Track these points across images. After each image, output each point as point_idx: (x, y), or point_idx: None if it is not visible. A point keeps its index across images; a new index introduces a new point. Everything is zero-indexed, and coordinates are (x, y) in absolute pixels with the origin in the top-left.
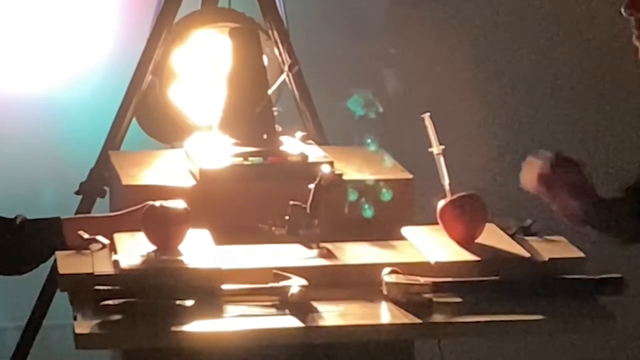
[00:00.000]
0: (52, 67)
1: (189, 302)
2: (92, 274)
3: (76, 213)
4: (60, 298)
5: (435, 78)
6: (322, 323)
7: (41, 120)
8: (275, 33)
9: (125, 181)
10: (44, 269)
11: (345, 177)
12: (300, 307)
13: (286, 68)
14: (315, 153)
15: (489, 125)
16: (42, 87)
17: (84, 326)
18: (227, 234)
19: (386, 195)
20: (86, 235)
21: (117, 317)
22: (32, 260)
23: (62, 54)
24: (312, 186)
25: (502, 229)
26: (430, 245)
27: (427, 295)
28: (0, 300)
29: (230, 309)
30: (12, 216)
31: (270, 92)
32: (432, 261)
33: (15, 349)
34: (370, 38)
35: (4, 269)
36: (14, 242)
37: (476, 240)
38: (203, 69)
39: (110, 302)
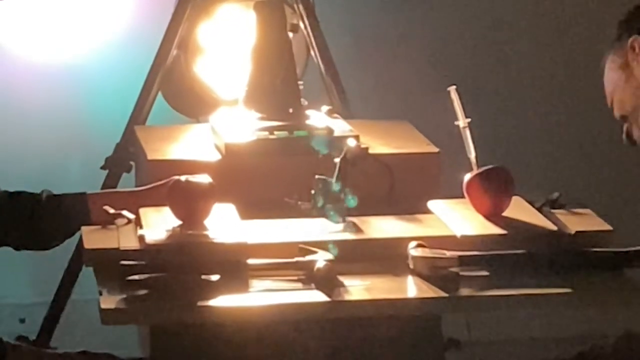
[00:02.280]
0: (78, 42)
1: (215, 277)
2: (117, 249)
3: (102, 188)
4: (86, 273)
5: (461, 50)
6: (348, 297)
7: (67, 95)
8: (301, 6)
9: (151, 156)
10: (70, 244)
11: (371, 151)
12: (326, 281)
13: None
14: (340, 127)
15: (515, 98)
16: (67, 63)
17: (109, 301)
18: (252, 209)
19: (351, 202)
20: (112, 210)
21: (143, 292)
22: (58, 236)
23: (87, 28)
24: (337, 160)
25: (528, 202)
26: (456, 218)
27: (453, 269)
28: (27, 276)
29: (256, 284)
30: (38, 191)
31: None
32: (459, 235)
33: (42, 325)
34: (394, 11)
35: (30, 245)
36: (40, 217)
37: (503, 214)
38: (228, 43)
39: (135, 277)
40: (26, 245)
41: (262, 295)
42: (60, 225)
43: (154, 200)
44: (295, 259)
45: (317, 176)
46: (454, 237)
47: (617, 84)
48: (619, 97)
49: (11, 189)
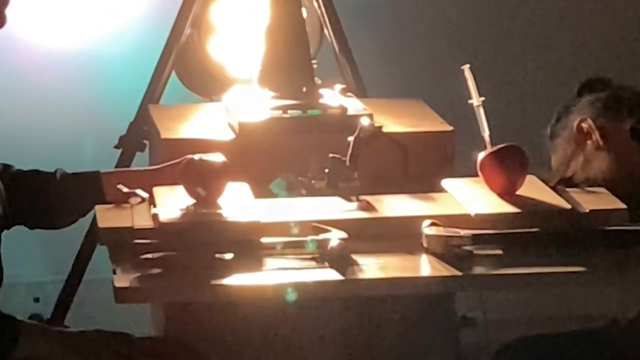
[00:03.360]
0: (92, 21)
1: (229, 256)
2: (131, 227)
3: (116, 167)
4: (101, 252)
5: (475, 28)
6: (361, 276)
7: (81, 74)
8: None
9: (165, 135)
10: (84, 223)
11: (384, 130)
12: (340, 260)
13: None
14: (354, 105)
15: (529, 76)
16: (81, 41)
17: (123, 280)
18: (266, 187)
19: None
20: (125, 189)
21: (157, 270)
22: (72, 215)
23: (101, 7)
24: (351, 139)
25: (542, 181)
26: (470, 197)
27: (467, 248)
28: (41, 255)
29: (270, 262)
30: (52, 170)
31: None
32: (473, 213)
33: (56, 303)
34: None
35: (44, 223)
36: (54, 196)
37: (517, 192)
38: (242, 21)
39: (149, 255)
40: (40, 224)
41: (275, 274)
42: (74, 203)
43: (169, 178)
44: (309, 237)
45: (330, 155)
46: (467, 215)
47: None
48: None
49: (25, 168)
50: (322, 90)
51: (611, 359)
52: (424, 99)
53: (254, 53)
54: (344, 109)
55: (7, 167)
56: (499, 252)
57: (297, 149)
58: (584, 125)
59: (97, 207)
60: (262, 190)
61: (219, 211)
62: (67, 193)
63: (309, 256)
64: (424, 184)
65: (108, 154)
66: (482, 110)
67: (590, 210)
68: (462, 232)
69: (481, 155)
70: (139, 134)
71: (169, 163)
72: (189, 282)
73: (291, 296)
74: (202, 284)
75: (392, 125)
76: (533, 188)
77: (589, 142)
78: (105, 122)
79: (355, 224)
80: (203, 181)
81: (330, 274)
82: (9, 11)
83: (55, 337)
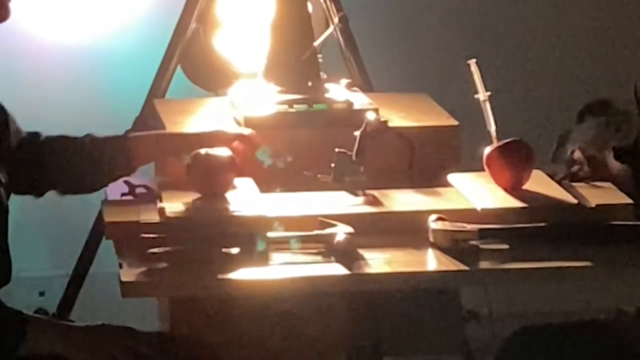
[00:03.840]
0: (97, 16)
1: (235, 250)
2: (137, 222)
3: None
4: (106, 246)
5: (482, 23)
6: (368, 270)
7: (87, 68)
8: None
9: (170, 129)
10: (89, 217)
11: (390, 124)
12: (346, 254)
13: (336, 20)
14: (360, 100)
15: (536, 71)
16: (87, 36)
17: (129, 274)
18: (272, 182)
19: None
20: (132, 183)
21: (163, 265)
22: (101, 179)
23: (107, 2)
24: (357, 133)
25: (549, 175)
26: (476, 191)
27: (473, 242)
28: (47, 249)
29: (276, 257)
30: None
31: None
32: (479, 208)
33: (61, 298)
34: None
35: (75, 188)
36: (84, 160)
37: (523, 187)
38: (247, 16)
39: (155, 250)
40: (71, 189)
41: (281, 268)
42: (103, 167)
43: (197, 147)
44: (315, 232)
45: (336, 149)
46: (474, 210)
47: None
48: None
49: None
50: (327, 85)
51: (617, 349)
52: (430, 94)
53: (259, 47)
54: (350, 104)
55: (36, 134)
56: (505, 246)
57: (302, 143)
58: (575, 155)
59: (103, 202)
60: (268, 184)
61: (225, 205)
62: (96, 157)
63: (316, 251)
64: (430, 178)
65: None
66: (488, 105)
67: (597, 205)
68: (469, 227)
69: (487, 149)
70: (145, 128)
71: (200, 131)
72: (195, 277)
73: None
74: (208, 278)
75: (398, 119)
76: (539, 183)
77: (580, 172)
78: (110, 116)
79: (361, 218)
80: (209, 176)
81: (337, 269)
82: (13, 4)
83: (61, 331)
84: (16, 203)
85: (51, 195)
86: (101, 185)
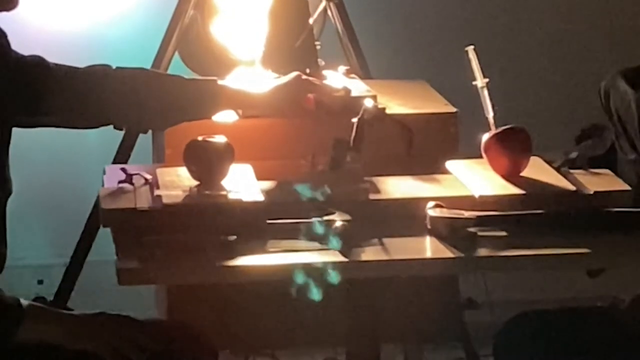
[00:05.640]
0: (94, 3)
1: (232, 237)
2: (134, 209)
3: (119, 149)
4: (104, 234)
5: (479, 9)
6: (365, 258)
7: (84, 55)
8: None
9: None
10: (86, 205)
11: (388, 111)
12: (344, 241)
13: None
14: (358, 87)
15: (533, 57)
16: (84, 23)
17: (126, 262)
18: (269, 169)
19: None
20: (129, 171)
21: (160, 252)
22: (181, 117)
23: None
24: (355, 120)
25: (547, 162)
26: (474, 179)
27: (471, 229)
28: (45, 237)
29: (274, 244)
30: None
31: (311, 21)
32: (477, 195)
33: (59, 286)
34: None
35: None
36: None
37: (521, 174)
38: (245, 3)
39: (152, 237)
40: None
41: (279, 256)
42: (186, 106)
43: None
44: (313, 219)
45: (334, 137)
46: (472, 197)
47: None
48: None
49: (30, 150)
50: (325, 72)
51: (613, 335)
52: (428, 80)
53: (257, 34)
54: (348, 91)
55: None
56: (503, 233)
57: (300, 130)
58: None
59: (100, 189)
60: (265, 171)
61: (222, 192)
62: (179, 95)
63: (313, 238)
64: (428, 165)
65: (111, 135)
66: (486, 92)
67: (595, 192)
68: (466, 214)
69: (485, 136)
70: None
71: (276, 85)
72: (193, 264)
73: (300, 277)
74: (206, 266)
75: (396, 106)
76: (537, 169)
77: None
78: None
79: (359, 205)
80: (206, 162)
81: (334, 256)
82: None
83: (59, 319)
84: (15, 192)
85: (49, 184)
86: (175, 123)
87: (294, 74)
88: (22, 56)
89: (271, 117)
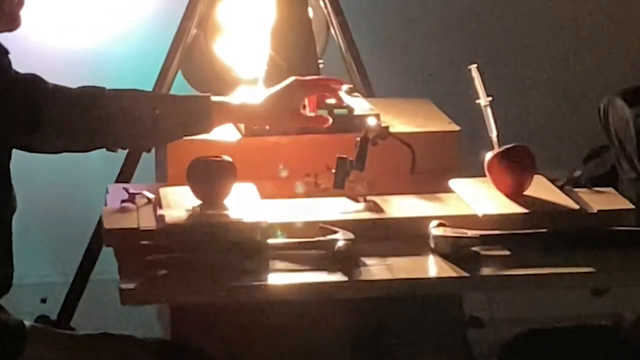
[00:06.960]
0: (98, 21)
1: (236, 257)
2: (137, 229)
3: (122, 168)
4: (107, 253)
5: (482, 28)
6: (369, 277)
7: (87, 74)
8: None
9: None
10: (90, 224)
11: (391, 130)
12: (347, 261)
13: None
14: (361, 105)
15: (537, 76)
16: (88, 41)
17: (129, 282)
18: (273, 188)
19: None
20: (132, 190)
21: (163, 272)
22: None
23: (107, 7)
24: (358, 139)
25: (550, 181)
26: (478, 197)
27: (474, 248)
28: (48, 256)
29: (277, 264)
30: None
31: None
32: (480, 214)
33: (63, 304)
34: None
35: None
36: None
37: (524, 192)
38: (248, 21)
39: (155, 257)
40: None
41: (282, 275)
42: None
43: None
44: (316, 238)
45: (337, 155)
46: (475, 216)
47: None
48: None
49: (34, 168)
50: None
51: (617, 353)
52: (432, 99)
53: (260, 53)
54: (351, 109)
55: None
56: (507, 252)
57: (303, 149)
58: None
59: (103, 208)
60: (268, 190)
61: (225, 212)
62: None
63: (316, 257)
64: (432, 184)
65: (115, 154)
66: (489, 110)
67: (598, 211)
68: (470, 233)
69: (489, 155)
70: None
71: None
72: (195, 284)
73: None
74: (209, 286)
75: (399, 125)
76: (541, 188)
77: None
78: None
79: (362, 224)
80: (209, 182)
81: (338, 275)
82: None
83: (62, 341)
84: (18, 210)
85: (53, 202)
86: (169, 141)
87: (291, 79)
88: (20, 74)
89: (273, 134)
